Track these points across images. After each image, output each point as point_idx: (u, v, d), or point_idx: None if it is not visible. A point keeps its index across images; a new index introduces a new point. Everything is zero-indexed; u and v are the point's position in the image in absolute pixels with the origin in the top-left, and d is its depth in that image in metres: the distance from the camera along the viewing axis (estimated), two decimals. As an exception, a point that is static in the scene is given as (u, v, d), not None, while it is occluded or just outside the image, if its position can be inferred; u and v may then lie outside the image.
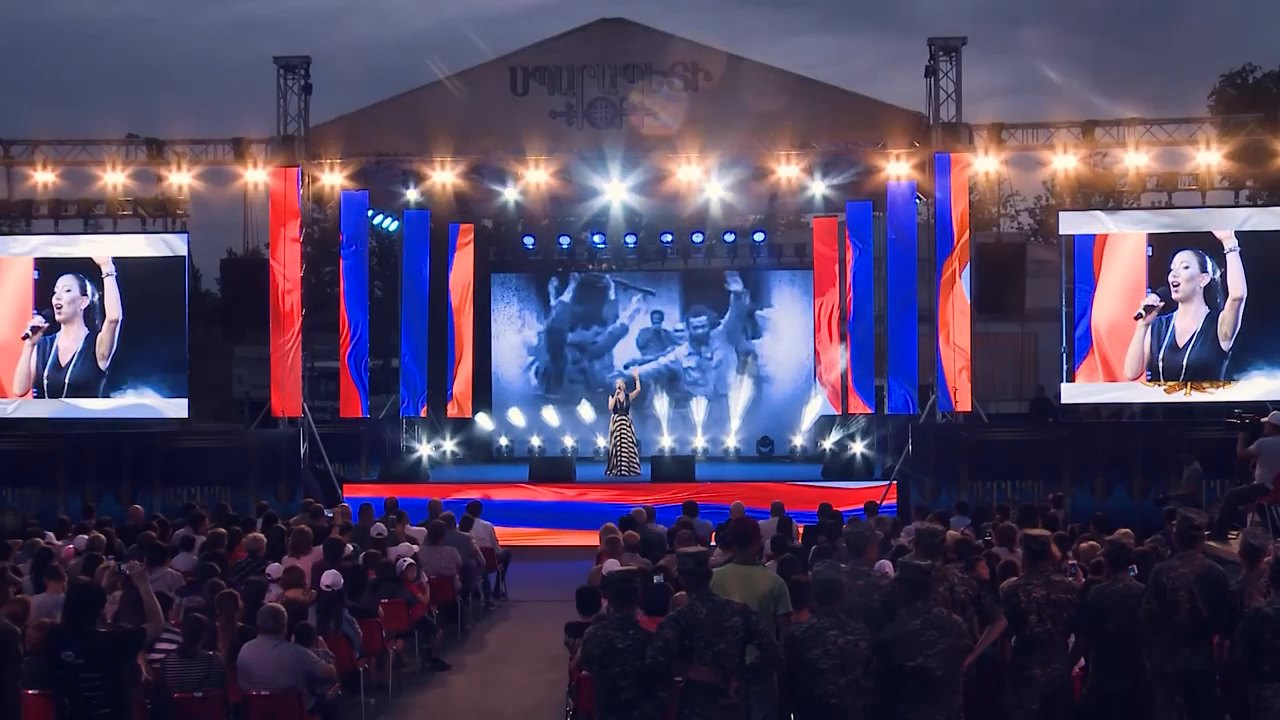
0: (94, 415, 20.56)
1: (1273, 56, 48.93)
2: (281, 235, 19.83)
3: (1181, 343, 19.32)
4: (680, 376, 25.95)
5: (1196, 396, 19.43)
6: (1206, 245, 19.39)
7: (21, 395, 20.45)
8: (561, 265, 26.24)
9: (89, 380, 20.34)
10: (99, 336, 20.32)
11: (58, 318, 20.41)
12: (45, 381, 20.38)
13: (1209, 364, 19.31)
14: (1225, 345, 19.29)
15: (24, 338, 20.39)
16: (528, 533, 18.53)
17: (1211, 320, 19.30)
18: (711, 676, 6.69)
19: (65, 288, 20.40)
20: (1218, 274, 19.29)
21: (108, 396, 20.35)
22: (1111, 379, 19.47)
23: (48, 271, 20.51)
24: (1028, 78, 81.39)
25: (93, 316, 20.37)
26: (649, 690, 6.67)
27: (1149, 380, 19.41)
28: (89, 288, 20.39)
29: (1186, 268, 19.35)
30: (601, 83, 19.62)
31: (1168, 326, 19.37)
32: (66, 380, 20.36)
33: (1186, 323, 19.36)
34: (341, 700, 9.59)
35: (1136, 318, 19.34)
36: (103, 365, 20.32)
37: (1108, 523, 13.15)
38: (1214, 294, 19.32)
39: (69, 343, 20.40)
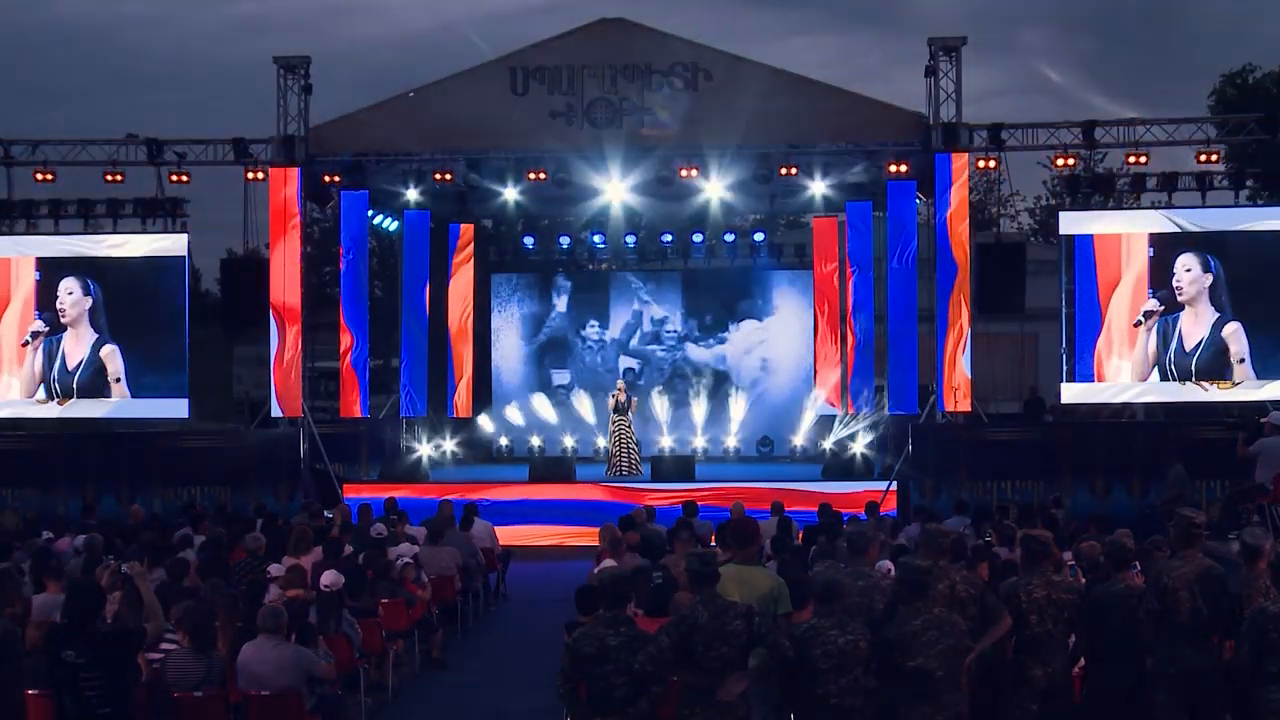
0: (97, 416, 20.56)
1: (1273, 56, 49.01)
2: (281, 235, 19.83)
3: (1190, 346, 19.27)
4: (680, 376, 25.95)
5: (1201, 396, 19.39)
6: (1208, 245, 19.39)
7: (30, 398, 20.44)
8: (561, 265, 26.26)
9: (99, 382, 20.33)
10: (103, 337, 20.35)
11: (62, 320, 20.40)
12: (56, 384, 20.37)
13: (1220, 367, 19.29)
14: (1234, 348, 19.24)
15: (24, 344, 20.38)
16: (528, 532, 18.52)
17: (1220, 323, 19.27)
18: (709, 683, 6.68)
19: (67, 290, 20.41)
20: (1221, 272, 19.27)
21: (110, 397, 20.37)
22: (1113, 379, 19.47)
23: (49, 271, 20.52)
24: (1028, 78, 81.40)
25: (97, 317, 20.38)
26: (643, 688, 6.66)
27: (1160, 380, 19.36)
28: (91, 288, 20.40)
29: (1188, 270, 19.31)
30: (601, 83, 19.61)
31: (1174, 328, 19.33)
32: (76, 383, 20.34)
33: (1193, 326, 19.30)
34: (341, 700, 9.59)
35: (1136, 324, 19.30)
36: (118, 365, 20.31)
37: (1108, 523, 13.15)
38: (1219, 293, 19.30)
39: (75, 345, 20.39)
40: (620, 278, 26.70)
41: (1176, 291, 19.30)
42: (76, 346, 20.40)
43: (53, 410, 20.53)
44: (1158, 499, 16.58)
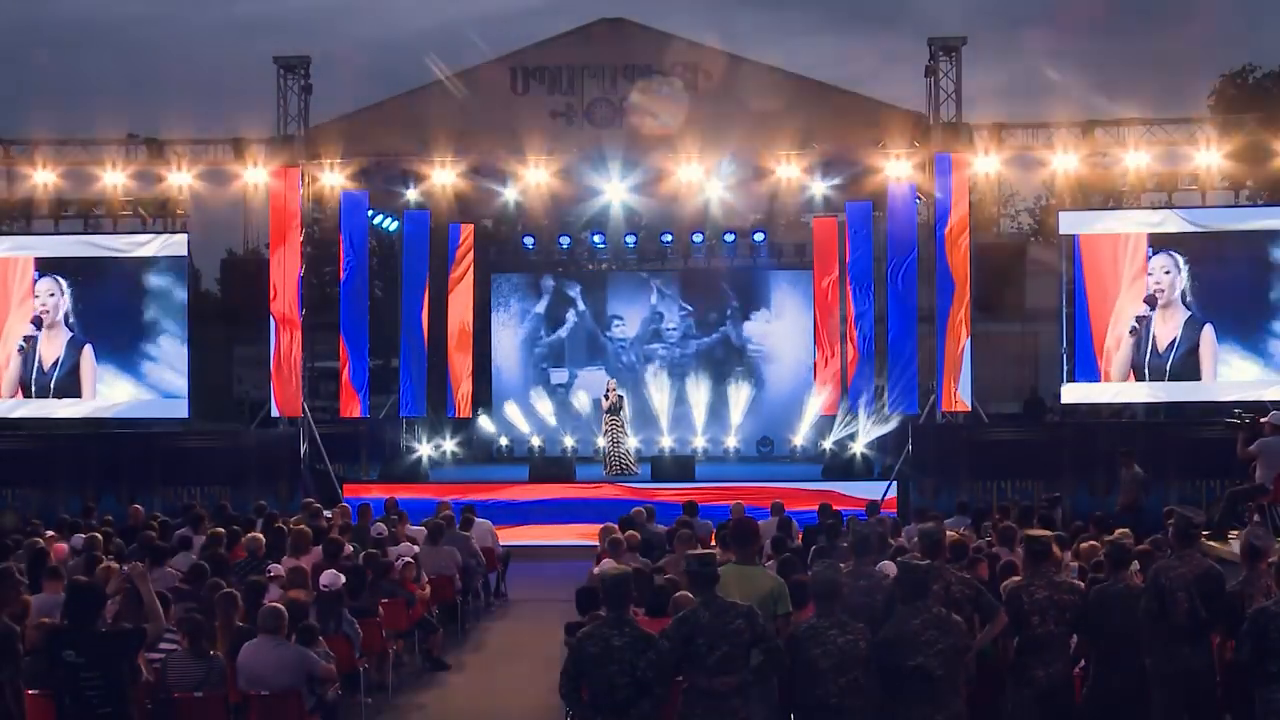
0: (93, 416, 20.54)
1: (1273, 56, 48.87)
2: (281, 235, 19.83)
3: (1162, 347, 19.29)
4: (680, 376, 25.91)
5: (1201, 394, 19.39)
6: (1207, 245, 19.37)
7: (11, 397, 20.41)
8: (561, 265, 26.25)
9: (72, 382, 20.29)
10: (77, 336, 20.33)
11: (45, 322, 20.37)
12: (32, 385, 20.34)
13: (1193, 368, 19.31)
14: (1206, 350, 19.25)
15: (19, 350, 20.36)
16: (528, 532, 18.52)
17: (1192, 325, 19.27)
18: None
19: (48, 290, 20.39)
20: (1189, 273, 19.24)
21: (103, 397, 20.36)
22: (1113, 379, 19.47)
23: (48, 271, 20.53)
24: (1028, 78, 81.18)
25: (71, 317, 20.34)
26: (646, 689, 6.66)
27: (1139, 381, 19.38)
28: (66, 287, 20.35)
29: (1167, 272, 19.36)
30: (601, 83, 19.61)
31: (1148, 331, 19.34)
32: (52, 383, 20.31)
33: (1164, 327, 19.32)
34: (341, 700, 9.59)
35: (1131, 332, 19.30)
36: (91, 366, 20.27)
37: (1108, 523, 13.14)
38: (1187, 295, 19.28)
39: (51, 345, 20.37)
40: (620, 277, 26.70)
41: (1158, 293, 19.31)
42: (52, 347, 20.39)
43: (52, 410, 20.51)
44: (1116, 502, 16.43)
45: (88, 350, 20.33)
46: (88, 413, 20.55)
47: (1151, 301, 19.31)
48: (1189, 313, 19.30)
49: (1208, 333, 19.24)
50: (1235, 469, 15.16)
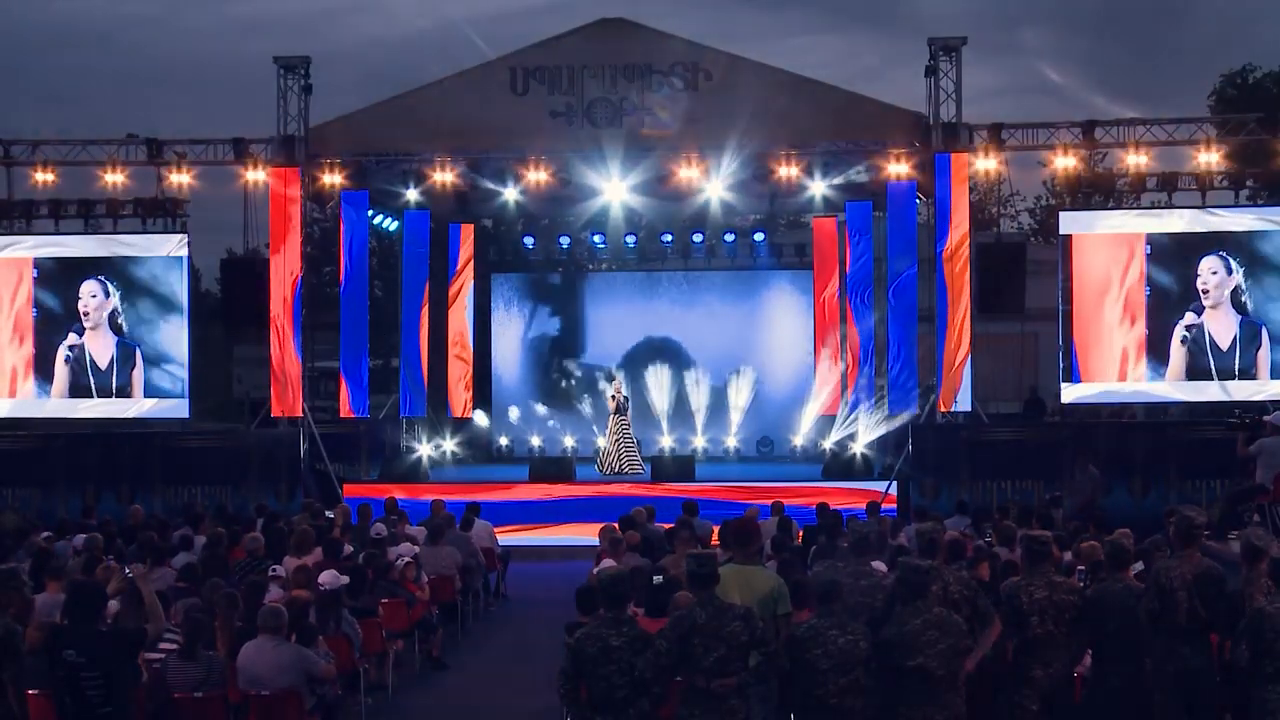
0: (104, 416, 20.54)
1: (1273, 56, 48.90)
2: (281, 235, 19.83)
3: (1225, 347, 19.20)
4: (680, 376, 25.89)
5: (1196, 395, 19.41)
6: (1208, 245, 19.38)
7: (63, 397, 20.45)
8: (561, 265, 26.25)
9: (126, 382, 20.34)
10: (122, 338, 20.40)
11: (85, 323, 20.39)
12: (94, 386, 20.36)
13: (1253, 366, 19.27)
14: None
15: (65, 360, 20.42)
16: (528, 531, 18.53)
17: (1246, 324, 19.23)
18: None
19: (90, 293, 20.41)
20: (1240, 273, 19.25)
21: (124, 397, 20.40)
22: (1111, 378, 19.47)
23: (47, 271, 20.52)
24: (1028, 78, 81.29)
25: (116, 318, 20.40)
26: (644, 689, 6.66)
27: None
28: (110, 290, 20.39)
29: (1214, 273, 19.29)
30: (601, 83, 19.61)
31: (1204, 333, 19.28)
32: (114, 384, 20.32)
33: (1222, 328, 19.25)
34: (341, 700, 9.59)
35: (1183, 341, 19.24)
36: (141, 368, 20.34)
37: (1108, 523, 13.13)
38: (1239, 295, 19.27)
39: (100, 346, 20.39)
40: (620, 278, 26.70)
41: (1203, 294, 19.27)
42: (102, 348, 20.41)
43: (52, 410, 20.51)
44: (1073, 504, 16.39)
45: (136, 350, 20.35)
46: (100, 414, 20.57)
47: (1196, 306, 19.26)
48: (1239, 315, 19.23)
49: (1264, 331, 19.21)
50: (1235, 469, 15.18)
